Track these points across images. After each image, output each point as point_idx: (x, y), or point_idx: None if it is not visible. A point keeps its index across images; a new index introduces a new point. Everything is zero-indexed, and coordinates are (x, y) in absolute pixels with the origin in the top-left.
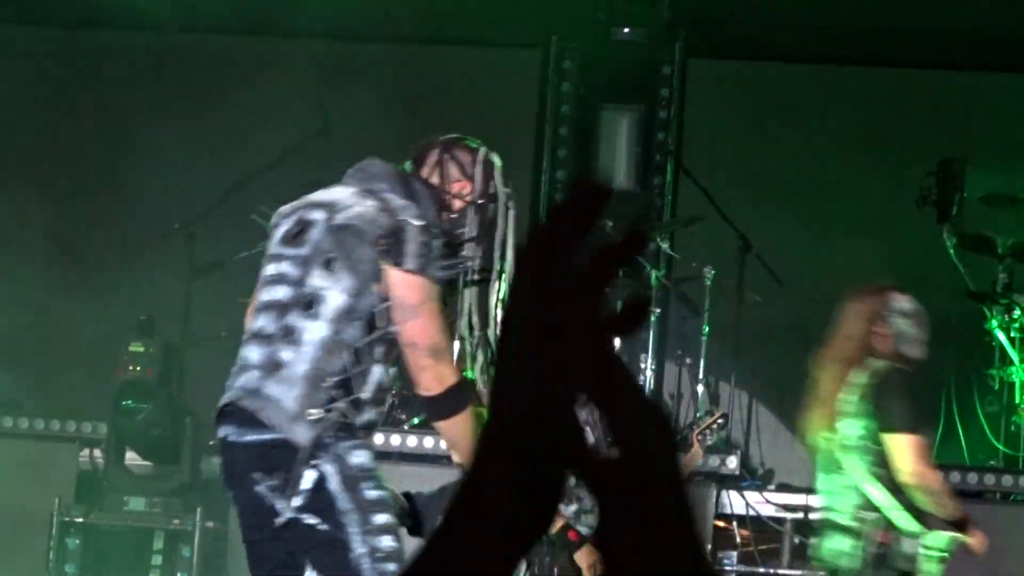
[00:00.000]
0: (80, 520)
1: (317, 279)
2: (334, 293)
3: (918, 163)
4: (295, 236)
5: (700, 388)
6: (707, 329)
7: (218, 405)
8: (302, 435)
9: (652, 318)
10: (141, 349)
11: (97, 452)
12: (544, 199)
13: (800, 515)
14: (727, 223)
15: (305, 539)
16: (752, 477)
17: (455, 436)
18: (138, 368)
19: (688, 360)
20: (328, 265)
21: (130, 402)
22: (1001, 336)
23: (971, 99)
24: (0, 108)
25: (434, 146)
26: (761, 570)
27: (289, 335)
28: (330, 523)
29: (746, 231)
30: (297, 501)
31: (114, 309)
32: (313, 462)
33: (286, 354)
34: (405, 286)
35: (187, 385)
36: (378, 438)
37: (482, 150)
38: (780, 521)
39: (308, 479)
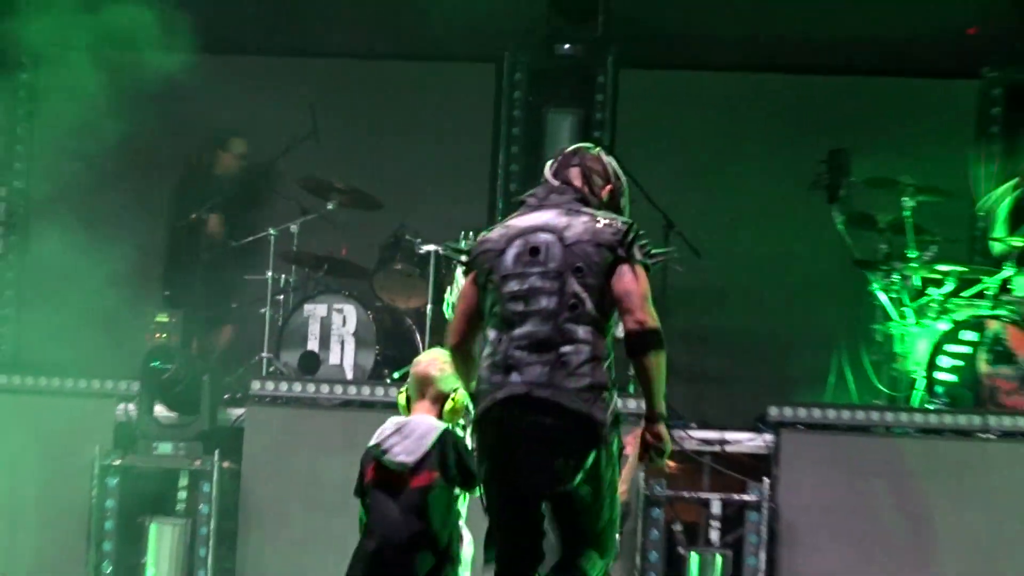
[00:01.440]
0: (118, 463)
1: (574, 286)
2: (589, 295)
3: (813, 154)
4: (531, 257)
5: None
6: None
7: (497, 397)
8: (597, 412)
9: None
10: (165, 319)
11: (131, 406)
12: (500, 188)
13: (717, 448)
14: (653, 206)
15: (574, 505)
16: (677, 418)
17: (654, 368)
18: (163, 335)
19: None
20: (579, 273)
21: (157, 363)
22: (883, 297)
23: (857, 98)
24: None
25: (570, 161)
26: (685, 493)
27: (566, 336)
28: (596, 495)
29: (669, 212)
30: (580, 476)
31: (145, 285)
32: (599, 442)
33: (568, 351)
34: (633, 274)
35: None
36: (365, 389)
37: (603, 154)
38: (700, 454)
39: (592, 456)
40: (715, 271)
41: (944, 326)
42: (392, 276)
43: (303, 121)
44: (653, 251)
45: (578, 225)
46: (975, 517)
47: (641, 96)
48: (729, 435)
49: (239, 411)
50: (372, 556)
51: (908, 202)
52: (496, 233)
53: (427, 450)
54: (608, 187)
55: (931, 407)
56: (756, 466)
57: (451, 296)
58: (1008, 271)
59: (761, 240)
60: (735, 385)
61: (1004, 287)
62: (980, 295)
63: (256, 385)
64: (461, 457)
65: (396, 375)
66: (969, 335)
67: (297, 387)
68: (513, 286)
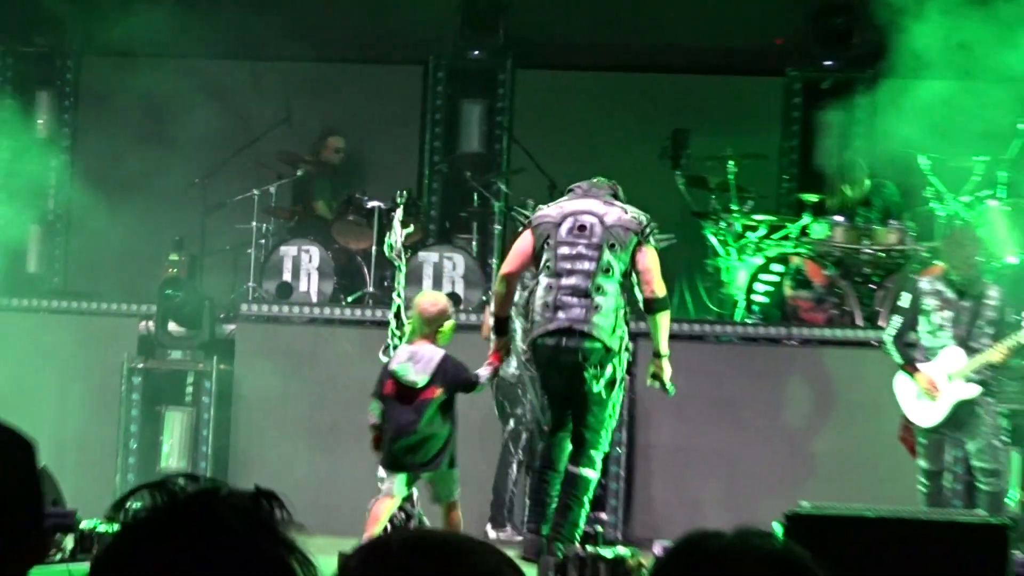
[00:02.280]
0: (140, 366)
1: (608, 256)
2: (618, 263)
3: (662, 133)
4: (579, 231)
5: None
6: None
7: (549, 328)
8: (614, 344)
9: (497, 231)
10: (176, 258)
11: (151, 323)
12: (426, 159)
13: None
14: (541, 172)
15: (598, 401)
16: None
17: (664, 325)
18: (174, 270)
19: None
20: (612, 248)
21: (170, 291)
22: (712, 239)
23: (696, 92)
24: None
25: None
26: None
27: (599, 290)
28: (609, 394)
29: (554, 177)
30: (603, 382)
31: (160, 232)
32: (613, 360)
33: (600, 300)
34: (650, 254)
35: (205, 280)
36: (327, 310)
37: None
38: None
39: (610, 370)
40: None
41: (758, 261)
42: (347, 225)
43: (279, 109)
44: (660, 237)
45: (613, 213)
46: (783, 407)
47: (533, 90)
48: None
49: (232, 326)
50: (391, 446)
51: (731, 167)
52: (554, 210)
53: (433, 371)
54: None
55: (749, 321)
56: None
57: (389, 239)
58: (806, 219)
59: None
60: None
61: (803, 231)
62: (785, 237)
63: (244, 307)
64: (458, 373)
65: (350, 299)
66: (777, 267)
67: (275, 308)
68: (565, 250)
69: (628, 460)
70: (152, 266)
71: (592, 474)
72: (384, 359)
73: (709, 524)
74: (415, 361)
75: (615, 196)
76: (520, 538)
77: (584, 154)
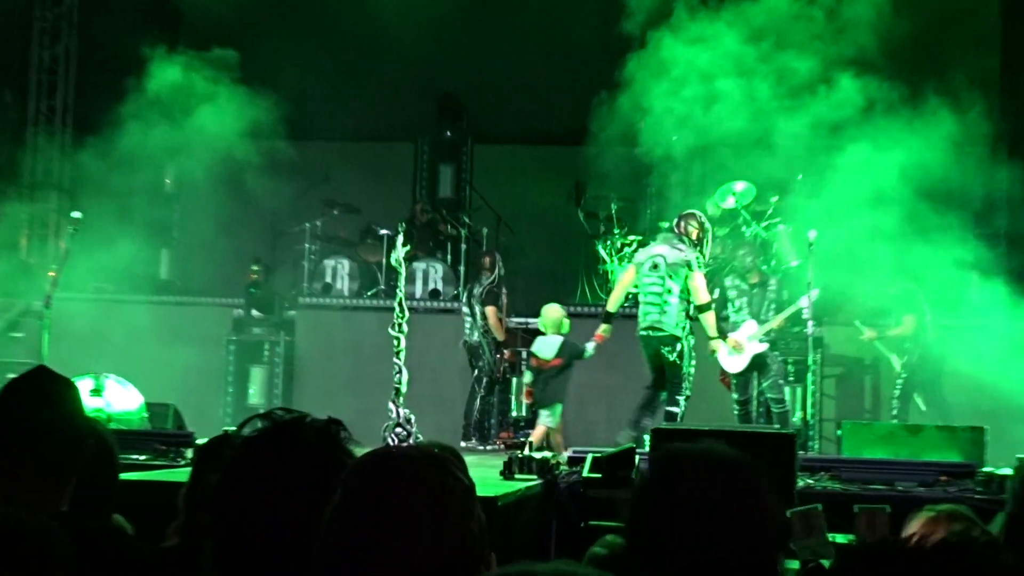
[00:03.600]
0: (234, 338)
1: (669, 283)
2: (677, 285)
3: (569, 183)
4: (654, 267)
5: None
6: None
7: (641, 326)
8: (677, 332)
9: (463, 248)
10: (256, 268)
11: (240, 311)
12: (414, 208)
13: None
14: (491, 209)
15: (672, 366)
16: None
17: (709, 320)
18: (255, 275)
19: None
20: (671, 276)
21: (253, 289)
22: (603, 252)
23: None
24: None
25: (680, 217)
26: None
27: (666, 303)
28: (679, 363)
29: (500, 213)
30: (675, 355)
31: (246, 252)
32: (678, 344)
33: (667, 308)
34: (697, 278)
35: (275, 281)
36: (356, 301)
37: (700, 214)
38: None
39: (677, 347)
40: (520, 245)
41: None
42: (367, 246)
43: (320, 171)
44: (702, 264)
45: (672, 254)
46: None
47: (486, 156)
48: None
49: (293, 312)
50: (539, 394)
51: (614, 206)
52: (642, 254)
53: (556, 351)
54: (695, 232)
55: (626, 305)
56: None
57: (394, 254)
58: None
59: (543, 226)
60: None
61: None
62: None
63: (301, 300)
64: (574, 348)
65: (368, 294)
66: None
67: (321, 300)
68: (646, 280)
69: None
70: (241, 273)
71: (676, 409)
72: (392, 333)
73: (599, 441)
74: (546, 344)
75: (679, 238)
76: (482, 448)
77: (520, 197)
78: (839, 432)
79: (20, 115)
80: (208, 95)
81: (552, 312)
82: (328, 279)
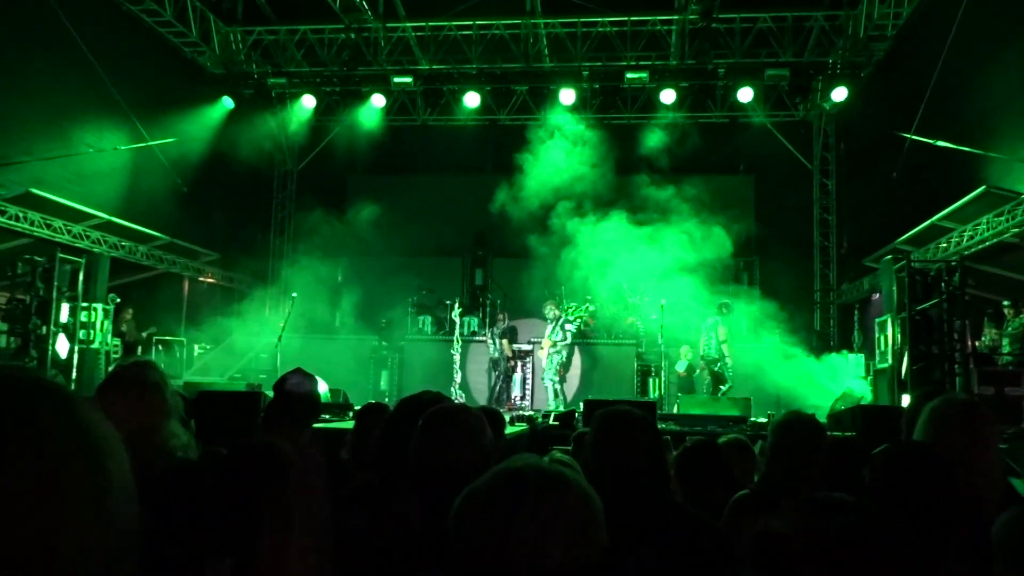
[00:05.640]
0: (372, 355)
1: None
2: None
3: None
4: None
5: None
6: None
7: None
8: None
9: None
10: (384, 321)
11: (376, 341)
12: (465, 294)
13: None
14: (501, 290)
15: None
16: None
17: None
18: (384, 324)
19: None
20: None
21: (382, 331)
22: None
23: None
24: None
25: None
26: None
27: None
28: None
29: (508, 293)
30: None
31: (377, 312)
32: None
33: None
34: (724, 327)
35: (394, 327)
36: (437, 336)
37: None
38: None
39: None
40: (515, 309)
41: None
42: (438, 308)
43: (415, 272)
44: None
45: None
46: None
47: (503, 268)
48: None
49: (403, 342)
50: None
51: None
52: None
53: None
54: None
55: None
56: None
57: (454, 313)
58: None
59: (529, 299)
60: None
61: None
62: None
63: (408, 336)
64: None
65: (441, 333)
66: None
67: (417, 336)
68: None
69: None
70: (376, 322)
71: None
72: (452, 352)
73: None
74: None
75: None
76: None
77: (518, 285)
78: (678, 401)
79: (264, 241)
80: (361, 232)
81: None
82: (420, 325)
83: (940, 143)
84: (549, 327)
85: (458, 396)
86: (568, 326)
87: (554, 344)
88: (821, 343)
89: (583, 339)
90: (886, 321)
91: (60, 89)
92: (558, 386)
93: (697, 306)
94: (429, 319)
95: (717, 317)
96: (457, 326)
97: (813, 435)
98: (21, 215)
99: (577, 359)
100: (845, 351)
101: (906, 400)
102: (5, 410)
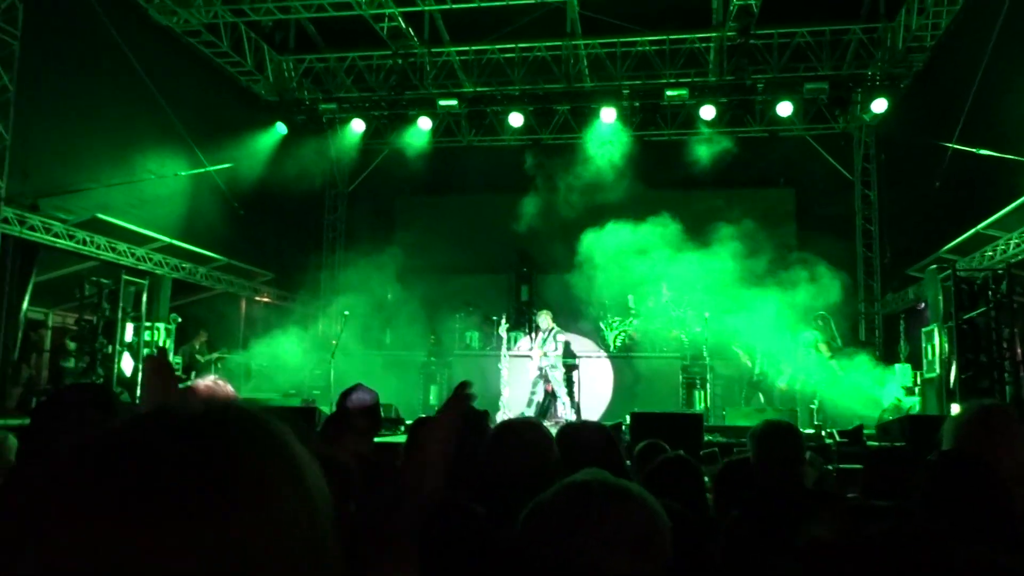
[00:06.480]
0: (422, 371)
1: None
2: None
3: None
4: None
5: None
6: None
7: None
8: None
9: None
10: (433, 336)
11: (425, 357)
12: (510, 317)
13: None
14: (545, 304)
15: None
16: None
17: None
18: (432, 339)
19: None
20: None
21: (431, 347)
22: (601, 325)
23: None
24: None
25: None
26: None
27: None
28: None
29: (550, 304)
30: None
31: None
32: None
33: None
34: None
35: (443, 343)
36: (484, 351)
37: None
38: None
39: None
40: (560, 324)
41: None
42: (486, 324)
43: (463, 292)
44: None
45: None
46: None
47: (548, 282)
48: None
49: (451, 358)
50: None
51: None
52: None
53: None
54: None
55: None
56: None
57: (502, 330)
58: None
59: (570, 313)
60: None
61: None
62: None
63: (457, 351)
64: None
65: (488, 348)
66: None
67: (466, 351)
68: None
69: None
70: (425, 340)
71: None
72: (501, 366)
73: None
74: None
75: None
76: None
77: (559, 298)
78: (724, 413)
79: (317, 261)
80: (409, 251)
81: None
82: (468, 341)
83: (983, 151)
84: (540, 337)
85: (507, 411)
86: (560, 337)
87: (545, 355)
88: (878, 353)
89: (627, 353)
90: (932, 331)
91: (124, 119)
92: (533, 395)
93: (746, 318)
94: (476, 335)
95: (814, 332)
96: (504, 341)
97: (792, 441)
98: (88, 239)
99: (609, 373)
100: (893, 362)
101: (955, 409)
102: (245, 454)
